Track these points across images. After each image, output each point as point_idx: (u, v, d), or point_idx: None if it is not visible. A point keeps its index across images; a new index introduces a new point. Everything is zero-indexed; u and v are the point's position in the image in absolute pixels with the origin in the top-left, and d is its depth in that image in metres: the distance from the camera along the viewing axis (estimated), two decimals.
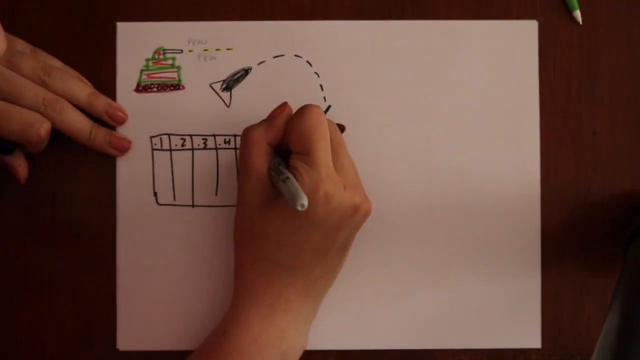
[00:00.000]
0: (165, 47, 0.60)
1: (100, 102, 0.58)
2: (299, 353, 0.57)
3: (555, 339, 0.60)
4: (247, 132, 0.54)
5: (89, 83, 0.59)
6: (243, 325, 0.54)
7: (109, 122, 0.59)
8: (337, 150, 0.54)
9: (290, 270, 0.54)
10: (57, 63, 0.59)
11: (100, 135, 0.58)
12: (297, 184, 0.51)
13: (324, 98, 0.60)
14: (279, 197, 0.53)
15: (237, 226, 0.55)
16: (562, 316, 0.60)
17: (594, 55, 0.61)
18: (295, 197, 0.49)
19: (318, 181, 0.52)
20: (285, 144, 0.55)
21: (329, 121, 0.54)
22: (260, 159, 0.54)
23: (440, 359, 0.60)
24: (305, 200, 0.49)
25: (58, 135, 0.59)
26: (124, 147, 0.59)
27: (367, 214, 0.55)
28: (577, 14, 0.60)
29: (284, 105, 0.56)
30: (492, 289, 0.60)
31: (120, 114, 0.59)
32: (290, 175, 0.52)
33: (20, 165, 0.58)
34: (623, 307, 0.50)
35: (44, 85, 0.56)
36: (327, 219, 0.53)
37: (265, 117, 0.57)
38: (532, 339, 0.60)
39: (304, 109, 0.54)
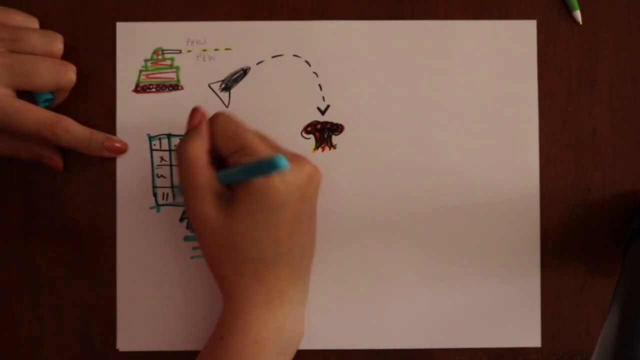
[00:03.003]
0: (164, 48, 0.60)
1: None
2: (298, 342, 0.57)
3: (555, 339, 0.60)
4: (182, 149, 0.54)
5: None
6: (241, 329, 0.54)
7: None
8: (261, 139, 0.55)
9: (274, 260, 0.54)
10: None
11: (97, 142, 0.58)
12: (263, 155, 0.52)
13: (323, 98, 0.60)
14: (234, 199, 0.53)
15: (206, 246, 0.55)
16: (562, 316, 0.60)
17: (594, 55, 0.60)
18: (275, 158, 0.49)
19: None
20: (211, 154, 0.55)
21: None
22: (204, 171, 0.53)
23: (440, 359, 0.60)
24: (282, 155, 0.49)
25: None
26: (119, 151, 0.59)
27: (320, 178, 0.56)
28: (577, 14, 0.60)
29: (197, 110, 0.55)
30: (492, 289, 0.60)
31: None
32: (248, 160, 0.52)
33: (55, 153, 0.58)
34: (623, 307, 0.50)
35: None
36: (289, 196, 0.53)
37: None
38: (532, 339, 0.60)
39: (215, 116, 0.55)
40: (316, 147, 0.60)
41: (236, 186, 0.53)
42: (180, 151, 0.54)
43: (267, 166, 0.50)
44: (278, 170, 0.50)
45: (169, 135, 0.60)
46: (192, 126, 0.55)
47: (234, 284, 0.55)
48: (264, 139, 0.56)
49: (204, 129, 0.54)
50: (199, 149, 0.53)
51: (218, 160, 0.55)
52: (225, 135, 0.54)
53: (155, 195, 0.60)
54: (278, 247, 0.54)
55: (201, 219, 0.54)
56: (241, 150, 0.53)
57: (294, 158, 0.54)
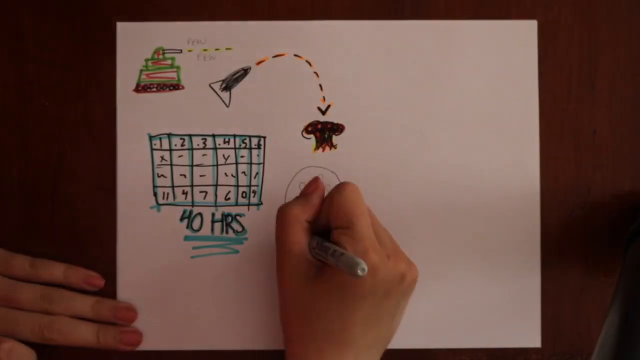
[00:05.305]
0: (165, 47, 0.60)
1: (106, 308, 0.58)
2: None
3: (555, 339, 0.60)
4: (284, 210, 0.54)
5: (97, 275, 0.59)
6: None
7: (120, 323, 0.59)
8: (372, 222, 0.54)
9: (341, 343, 0.53)
10: (58, 271, 0.58)
11: (109, 338, 0.58)
12: (351, 254, 0.50)
13: (323, 98, 0.60)
14: (321, 273, 0.53)
15: (283, 305, 0.55)
16: (562, 316, 0.60)
17: (594, 55, 0.60)
18: (354, 265, 0.48)
19: (364, 253, 0.51)
20: (321, 221, 0.54)
21: None
22: (299, 237, 0.53)
23: (440, 358, 0.60)
24: (364, 264, 0.48)
25: (57, 135, 0.59)
26: (137, 341, 0.59)
27: (414, 280, 0.55)
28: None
29: (317, 181, 0.56)
30: (492, 289, 0.60)
31: (130, 314, 0.59)
32: (340, 249, 0.51)
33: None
34: (623, 307, 0.50)
35: (45, 312, 0.57)
36: (374, 290, 0.52)
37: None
38: (532, 339, 0.60)
39: (342, 186, 0.54)
40: (317, 147, 0.60)
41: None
42: (280, 211, 0.54)
43: (349, 269, 0.49)
44: (353, 275, 0.48)
45: (169, 135, 0.60)
46: (305, 192, 0.55)
47: (295, 352, 0.54)
48: (376, 226, 0.54)
49: (314, 199, 0.54)
50: (301, 213, 0.54)
51: (325, 230, 0.54)
52: (341, 206, 0.53)
53: (155, 195, 0.60)
54: (348, 332, 0.53)
55: (285, 277, 0.54)
56: (347, 229, 0.52)
57: (394, 253, 0.54)
